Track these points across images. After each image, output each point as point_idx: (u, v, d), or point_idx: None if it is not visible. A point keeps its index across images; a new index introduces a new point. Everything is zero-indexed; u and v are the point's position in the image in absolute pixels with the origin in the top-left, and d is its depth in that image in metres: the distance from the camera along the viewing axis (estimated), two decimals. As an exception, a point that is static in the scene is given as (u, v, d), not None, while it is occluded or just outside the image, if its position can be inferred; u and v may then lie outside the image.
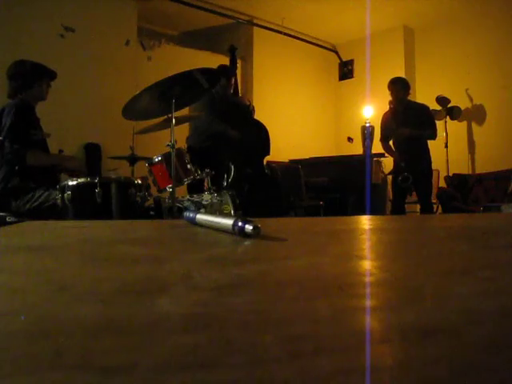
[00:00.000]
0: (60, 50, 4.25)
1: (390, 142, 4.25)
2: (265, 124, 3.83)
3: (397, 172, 4.09)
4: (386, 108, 4.35)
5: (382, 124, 4.31)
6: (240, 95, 3.99)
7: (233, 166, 3.45)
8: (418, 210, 5.03)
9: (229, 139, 3.43)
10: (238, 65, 4.09)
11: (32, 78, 2.54)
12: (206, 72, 2.50)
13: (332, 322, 0.18)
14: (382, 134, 4.30)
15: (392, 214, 4.39)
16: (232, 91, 3.72)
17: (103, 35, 4.70)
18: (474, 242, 0.48)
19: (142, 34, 5.20)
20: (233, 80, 3.67)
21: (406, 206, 4.45)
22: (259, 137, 3.71)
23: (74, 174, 2.51)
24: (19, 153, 2.37)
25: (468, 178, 5.31)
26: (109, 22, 4.79)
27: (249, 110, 3.85)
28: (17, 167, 2.40)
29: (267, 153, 3.79)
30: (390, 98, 4.13)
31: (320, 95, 6.92)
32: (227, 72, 3.60)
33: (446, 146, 5.46)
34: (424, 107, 4.20)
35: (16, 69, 2.57)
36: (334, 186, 5.26)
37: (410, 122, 3.96)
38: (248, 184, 3.44)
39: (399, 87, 4.05)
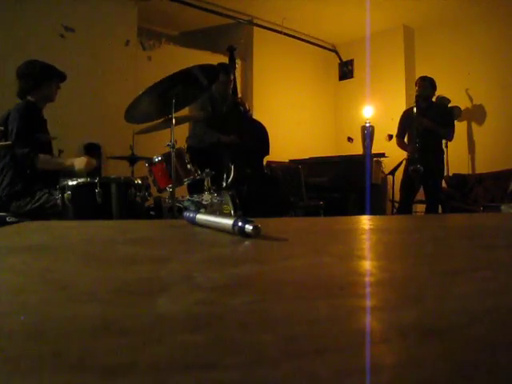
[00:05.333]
0: (60, 50, 4.25)
1: (405, 140, 4.30)
2: (265, 124, 3.83)
3: (409, 163, 4.12)
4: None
5: (401, 119, 4.36)
6: (239, 96, 3.98)
7: (233, 166, 3.45)
8: (421, 209, 5.03)
9: (226, 143, 3.44)
10: (238, 65, 4.09)
11: (41, 78, 2.54)
12: (204, 69, 2.49)
13: (332, 322, 0.18)
14: (398, 130, 4.35)
15: (399, 213, 4.39)
16: (231, 90, 3.72)
17: (103, 35, 4.70)
18: (474, 241, 0.48)
19: (142, 34, 5.20)
20: (232, 77, 3.67)
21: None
22: (258, 137, 3.71)
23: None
24: (29, 156, 2.38)
25: (468, 177, 5.30)
26: (109, 21, 4.78)
27: (246, 110, 3.85)
28: (28, 171, 2.40)
29: (267, 153, 3.79)
30: (414, 94, 4.25)
31: (320, 95, 6.92)
32: (227, 68, 3.60)
33: (446, 146, 5.45)
34: (446, 108, 4.28)
35: (26, 69, 2.57)
36: (334, 186, 5.25)
37: (430, 119, 4.02)
38: (248, 184, 3.44)
39: (427, 84, 4.15)
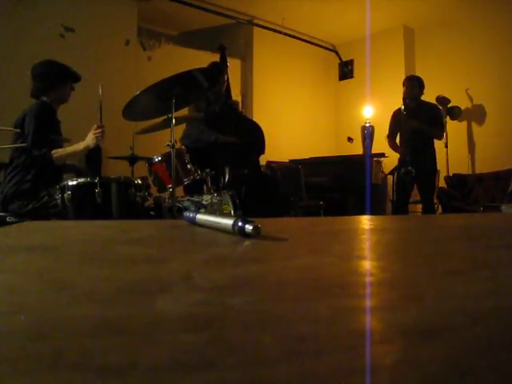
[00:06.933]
0: (60, 49, 4.25)
1: (397, 140, 4.30)
2: (265, 124, 3.83)
3: (401, 166, 4.13)
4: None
5: (391, 120, 4.36)
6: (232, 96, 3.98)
7: (228, 168, 3.44)
8: (419, 210, 5.03)
9: (223, 143, 3.44)
10: (238, 65, 4.09)
11: (57, 79, 2.52)
12: (205, 72, 2.50)
13: (332, 322, 0.18)
14: (389, 130, 4.36)
15: (394, 214, 4.40)
16: (225, 90, 3.71)
17: (103, 35, 4.70)
18: (474, 241, 0.48)
19: (141, 34, 5.20)
20: (225, 77, 3.67)
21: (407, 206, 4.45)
22: (254, 136, 3.71)
23: (80, 174, 2.50)
24: (46, 157, 2.37)
25: (468, 178, 5.30)
26: (109, 22, 4.78)
27: (240, 111, 3.85)
28: (52, 167, 2.40)
29: (262, 152, 3.78)
30: (399, 95, 4.22)
31: (320, 95, 6.92)
32: (220, 68, 3.61)
33: (446, 146, 5.46)
34: (435, 107, 4.28)
35: (42, 69, 2.54)
36: (334, 186, 5.25)
37: (419, 119, 4.03)
38: (245, 184, 3.44)
39: (415, 84, 4.15)
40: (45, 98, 2.51)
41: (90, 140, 2.44)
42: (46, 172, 2.45)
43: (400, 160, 4.22)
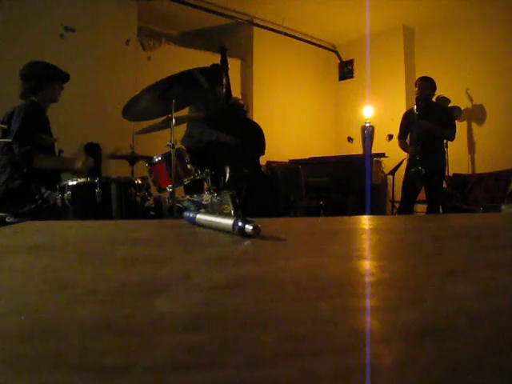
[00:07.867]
0: (60, 50, 4.25)
1: (407, 141, 4.33)
2: (265, 124, 3.83)
3: (411, 165, 4.15)
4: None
5: (402, 120, 4.38)
6: (233, 95, 3.98)
7: (228, 168, 3.45)
8: (419, 210, 5.03)
9: (223, 143, 3.44)
10: (238, 65, 4.09)
11: (44, 79, 2.53)
12: (206, 72, 2.50)
13: (332, 322, 0.18)
14: (400, 131, 4.38)
15: (399, 213, 4.41)
16: (225, 91, 3.72)
17: (103, 35, 4.70)
18: (474, 241, 0.48)
19: (141, 34, 5.20)
20: (224, 79, 3.68)
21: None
22: (254, 137, 3.72)
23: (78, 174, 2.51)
24: (27, 156, 2.37)
25: (468, 177, 5.31)
26: (109, 22, 4.79)
27: (243, 110, 3.86)
28: (24, 170, 2.40)
29: (262, 152, 3.79)
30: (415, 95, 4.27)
31: (320, 95, 6.92)
32: (220, 70, 3.62)
33: (446, 146, 5.47)
34: (447, 108, 4.29)
35: (28, 69, 2.55)
36: (334, 186, 5.26)
37: (431, 120, 4.06)
38: (245, 184, 3.44)
39: (427, 84, 4.18)
40: (34, 98, 2.51)
41: (75, 164, 2.51)
42: (33, 169, 2.45)
43: (410, 159, 4.23)
